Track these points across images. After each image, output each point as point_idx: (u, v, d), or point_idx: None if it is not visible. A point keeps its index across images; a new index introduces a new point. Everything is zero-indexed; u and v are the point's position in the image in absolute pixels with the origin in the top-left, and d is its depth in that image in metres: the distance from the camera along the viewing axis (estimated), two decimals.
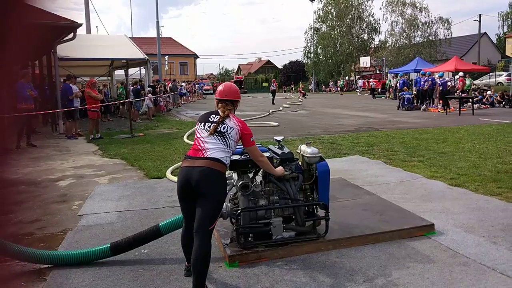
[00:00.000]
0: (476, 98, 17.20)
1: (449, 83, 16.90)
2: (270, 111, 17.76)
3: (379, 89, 29.35)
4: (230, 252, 3.21)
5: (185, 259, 3.01)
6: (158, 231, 3.35)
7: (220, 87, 3.07)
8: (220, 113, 2.91)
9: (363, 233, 3.52)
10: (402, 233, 3.56)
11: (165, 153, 7.96)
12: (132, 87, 15.59)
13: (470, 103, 15.86)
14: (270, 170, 3.21)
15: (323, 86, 42.47)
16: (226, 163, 2.81)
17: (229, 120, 2.88)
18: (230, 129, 2.84)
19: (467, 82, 18.16)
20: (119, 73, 22.43)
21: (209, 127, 2.85)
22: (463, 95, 15.97)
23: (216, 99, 3.03)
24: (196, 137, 2.90)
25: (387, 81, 29.20)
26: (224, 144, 2.81)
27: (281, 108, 19.57)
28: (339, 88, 40.86)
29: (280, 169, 3.29)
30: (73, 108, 10.74)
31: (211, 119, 2.90)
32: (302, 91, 32.68)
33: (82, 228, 4.10)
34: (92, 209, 4.66)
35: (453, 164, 6.26)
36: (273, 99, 23.52)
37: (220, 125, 2.84)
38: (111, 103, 14.64)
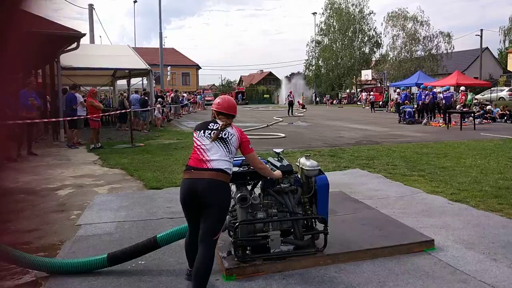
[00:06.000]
0: (478, 113, 17.24)
1: (453, 98, 16.95)
2: (279, 120, 17.82)
3: (380, 103, 29.45)
4: (228, 265, 3.18)
5: (188, 264, 3.01)
6: (155, 242, 3.34)
7: (219, 100, 3.08)
8: (220, 122, 2.93)
9: (362, 248, 3.49)
10: (401, 248, 3.53)
11: (165, 164, 7.95)
12: (136, 95, 15.63)
13: (471, 118, 15.89)
14: (269, 175, 3.22)
15: (324, 98, 42.78)
16: (230, 173, 2.84)
17: (229, 127, 2.92)
18: (231, 135, 2.88)
19: (469, 96, 18.23)
20: (122, 82, 22.58)
21: (210, 134, 2.86)
22: (464, 109, 16.01)
23: (216, 111, 3.02)
24: (196, 145, 2.88)
25: (385, 94, 29.34)
26: (227, 151, 2.83)
27: (281, 119, 19.65)
28: (339, 101, 41.01)
29: (278, 172, 3.31)
30: (76, 117, 10.78)
31: (211, 127, 2.91)
32: (301, 103, 32.91)
33: (80, 238, 4.07)
34: (91, 219, 4.64)
35: (454, 179, 6.24)
36: (291, 110, 24.06)
37: (222, 132, 2.86)
38: (118, 112, 14.68)
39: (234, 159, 3.29)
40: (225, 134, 2.86)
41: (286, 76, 53.37)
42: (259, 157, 3.45)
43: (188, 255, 2.97)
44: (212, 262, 2.75)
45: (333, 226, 3.54)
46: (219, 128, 2.87)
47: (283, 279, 3.10)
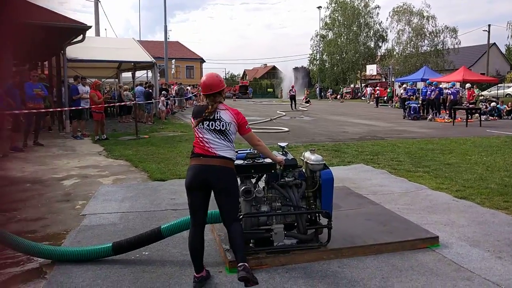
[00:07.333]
0: (485, 109, 17.10)
1: (459, 94, 16.91)
2: (282, 114, 17.81)
3: (385, 98, 29.35)
4: (231, 257, 3.18)
5: (194, 268, 2.93)
6: (159, 233, 3.36)
7: (203, 80, 3.01)
8: (210, 107, 2.90)
9: (365, 243, 3.48)
10: (405, 244, 3.52)
11: (169, 156, 7.97)
12: (140, 88, 15.63)
13: (477, 114, 15.77)
14: (269, 155, 3.22)
15: (327, 93, 42.65)
16: (234, 160, 3.00)
17: (224, 113, 2.91)
18: (228, 124, 2.90)
19: (475, 92, 18.11)
20: (127, 75, 22.57)
21: (208, 125, 2.89)
22: (470, 106, 15.90)
23: (203, 94, 3.01)
24: (198, 135, 2.92)
25: (389, 89, 29.21)
26: (228, 141, 2.90)
27: (284, 114, 19.61)
28: (341, 95, 40.74)
29: (280, 157, 3.32)
30: (74, 108, 10.79)
31: (207, 116, 2.91)
32: (306, 97, 32.82)
33: (84, 228, 4.10)
34: (95, 209, 4.67)
35: (459, 176, 6.20)
36: (294, 104, 24.20)
37: (219, 123, 2.88)
38: (119, 103, 14.72)
39: (239, 152, 3.32)
40: (223, 126, 2.88)
41: (294, 68, 52.79)
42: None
43: (195, 255, 2.90)
44: (244, 238, 2.94)
45: (336, 221, 3.54)
46: (204, 116, 2.88)
47: (286, 272, 3.11)
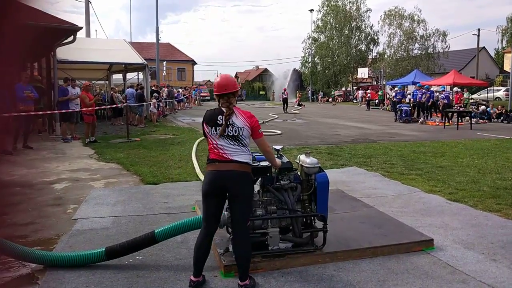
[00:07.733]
0: (476, 111, 17.33)
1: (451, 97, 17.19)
2: (274, 117, 17.82)
3: (376, 101, 29.61)
4: (226, 262, 3.15)
5: (193, 271, 2.93)
6: (153, 237, 3.31)
7: (217, 80, 2.97)
8: (225, 111, 2.85)
9: (361, 246, 3.47)
10: (400, 247, 3.52)
11: (161, 159, 7.90)
12: (131, 90, 15.49)
13: (468, 117, 15.98)
14: (273, 161, 3.18)
15: (319, 96, 42.86)
16: (251, 164, 2.94)
17: (236, 118, 2.85)
18: (241, 130, 2.84)
19: (465, 95, 18.35)
20: (117, 77, 22.39)
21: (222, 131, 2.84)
22: (461, 109, 16.12)
23: (217, 95, 2.95)
24: (212, 142, 2.86)
25: (380, 92, 29.50)
26: (242, 145, 2.85)
27: (276, 116, 19.63)
28: (333, 98, 40.93)
29: (278, 161, 3.32)
30: (64, 111, 10.64)
31: (220, 121, 2.85)
32: (298, 100, 32.95)
33: (76, 232, 4.03)
34: (87, 214, 4.60)
35: (452, 179, 6.25)
36: (286, 107, 24.34)
37: (231, 129, 2.82)
38: (109, 107, 14.57)
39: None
40: (235, 132, 2.82)
41: (295, 69, 52.28)
42: (259, 155, 3.42)
43: (200, 257, 2.90)
44: (250, 249, 2.89)
45: (331, 224, 3.52)
46: (224, 124, 2.81)
47: (281, 276, 3.08)
